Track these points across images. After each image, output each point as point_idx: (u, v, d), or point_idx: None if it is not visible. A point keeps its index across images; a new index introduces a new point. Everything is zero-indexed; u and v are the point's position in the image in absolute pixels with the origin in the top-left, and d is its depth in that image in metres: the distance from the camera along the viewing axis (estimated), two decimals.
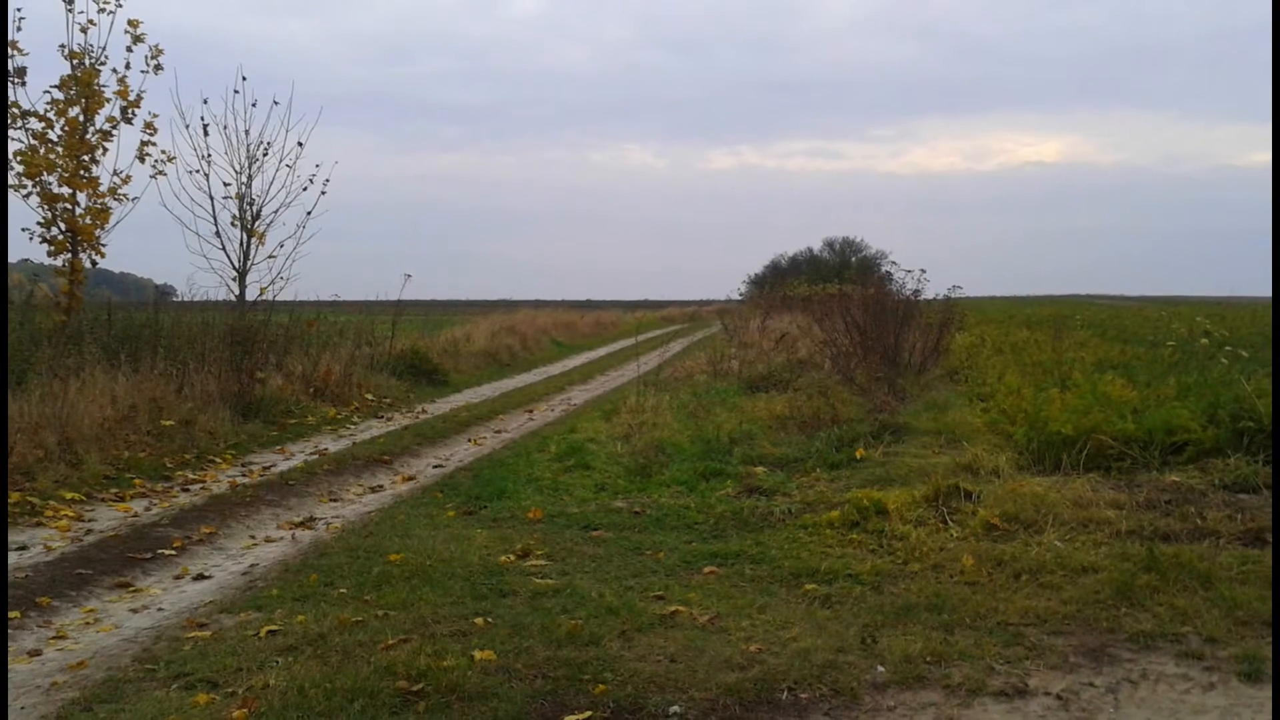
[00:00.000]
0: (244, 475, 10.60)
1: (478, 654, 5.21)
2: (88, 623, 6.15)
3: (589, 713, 4.61)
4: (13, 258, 21.18)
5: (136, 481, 9.96)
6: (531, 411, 16.37)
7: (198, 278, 21.77)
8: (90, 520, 8.58)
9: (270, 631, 5.70)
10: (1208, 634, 5.50)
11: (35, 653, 5.62)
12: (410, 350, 20.52)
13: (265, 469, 10.97)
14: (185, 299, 17.68)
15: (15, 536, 7.97)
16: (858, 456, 10.15)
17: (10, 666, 5.41)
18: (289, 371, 16.19)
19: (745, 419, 12.48)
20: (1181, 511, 7.73)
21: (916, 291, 18.82)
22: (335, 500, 9.69)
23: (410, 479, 10.69)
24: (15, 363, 12.00)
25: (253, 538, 8.24)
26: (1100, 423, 9.71)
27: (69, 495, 9.17)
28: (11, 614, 6.20)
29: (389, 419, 15.20)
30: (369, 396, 16.86)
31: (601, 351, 31.45)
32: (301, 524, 8.61)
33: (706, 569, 6.90)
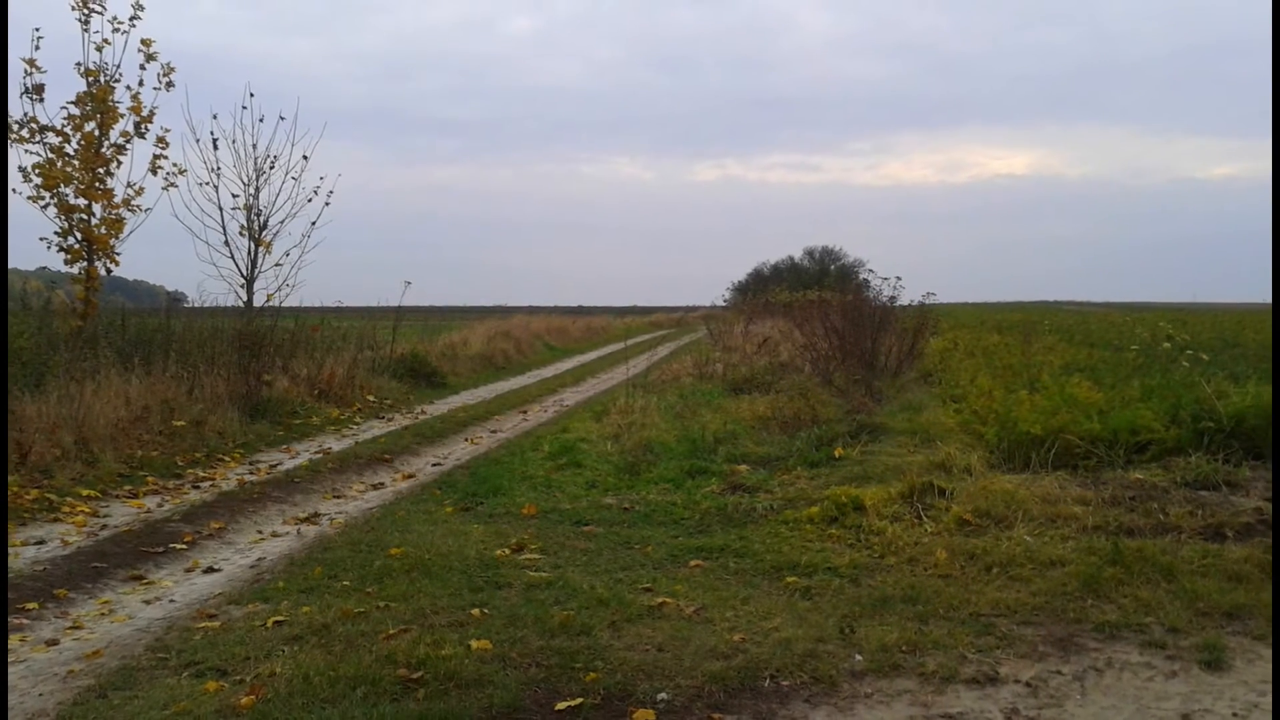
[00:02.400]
0: (252, 473, 10.57)
1: (474, 643, 5.21)
2: (103, 613, 6.13)
3: (581, 699, 4.60)
4: (30, 265, 21.14)
5: (149, 479, 9.93)
6: (525, 412, 16.35)
7: (207, 285, 21.77)
8: (105, 516, 8.55)
9: (277, 622, 5.69)
10: (1170, 624, 5.52)
11: (53, 642, 5.60)
12: (410, 354, 20.50)
13: (272, 467, 10.94)
14: (196, 305, 17.66)
15: (33, 531, 7.95)
16: (836, 455, 10.16)
17: (29, 655, 5.40)
18: (294, 374, 16.16)
19: (729, 419, 12.48)
20: (1145, 508, 7.75)
21: (892, 298, 18.84)
22: (338, 497, 9.67)
23: (410, 477, 10.67)
24: (33, 366, 11.97)
25: (260, 533, 8.22)
26: (1067, 423, 9.73)
27: (85, 492, 9.14)
28: (30, 605, 6.19)
29: (390, 419, 15.17)
30: (370, 398, 16.83)
31: (592, 355, 31.43)
32: (306, 519, 8.59)
33: (692, 562, 6.90)
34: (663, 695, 4.67)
